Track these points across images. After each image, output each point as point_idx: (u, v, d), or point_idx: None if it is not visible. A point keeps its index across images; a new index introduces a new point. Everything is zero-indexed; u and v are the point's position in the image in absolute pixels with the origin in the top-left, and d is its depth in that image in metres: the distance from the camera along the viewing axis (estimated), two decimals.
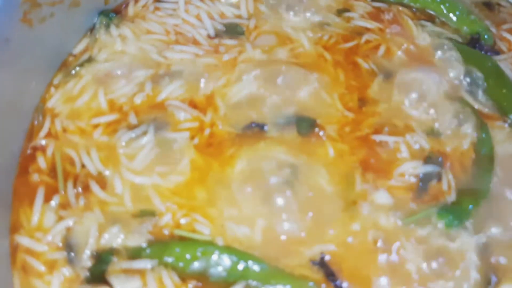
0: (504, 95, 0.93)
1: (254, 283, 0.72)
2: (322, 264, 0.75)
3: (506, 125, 0.90)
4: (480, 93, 0.94)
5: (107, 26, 0.92)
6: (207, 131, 0.84)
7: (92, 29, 0.93)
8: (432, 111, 0.90)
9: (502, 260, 0.76)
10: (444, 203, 0.79)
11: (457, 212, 0.78)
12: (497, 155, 0.86)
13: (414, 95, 0.91)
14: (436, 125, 0.88)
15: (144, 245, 0.73)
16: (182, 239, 0.74)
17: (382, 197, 0.80)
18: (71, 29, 0.89)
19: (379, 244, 0.76)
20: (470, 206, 0.79)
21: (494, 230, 0.79)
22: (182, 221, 0.76)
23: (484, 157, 0.86)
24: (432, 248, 0.76)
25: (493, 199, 0.81)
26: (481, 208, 0.80)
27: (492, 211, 0.80)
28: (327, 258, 0.75)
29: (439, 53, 0.98)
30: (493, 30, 1.04)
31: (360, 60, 0.95)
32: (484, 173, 0.84)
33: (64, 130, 0.83)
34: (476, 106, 0.92)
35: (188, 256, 0.72)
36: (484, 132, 0.88)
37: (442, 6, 1.04)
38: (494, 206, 0.80)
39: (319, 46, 0.96)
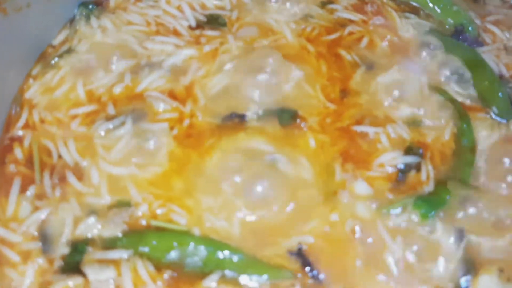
0: (487, 87, 0.93)
1: (230, 273, 0.71)
2: (299, 254, 0.74)
3: (489, 116, 0.90)
4: (463, 85, 0.93)
5: (87, 18, 0.92)
6: (186, 122, 0.83)
7: (72, 21, 0.93)
8: (413, 102, 0.89)
9: (479, 249, 0.75)
10: (421, 193, 0.79)
11: (433, 202, 0.78)
12: (479, 146, 0.86)
13: (396, 86, 0.91)
14: (417, 116, 0.88)
15: (119, 235, 0.73)
16: (158, 230, 0.74)
17: (361, 187, 0.80)
18: (50, 20, 0.89)
19: (357, 234, 0.76)
20: (448, 197, 0.79)
21: (473, 219, 0.78)
22: (159, 211, 0.75)
23: (465, 148, 0.85)
24: (409, 237, 0.76)
25: (472, 189, 0.80)
26: (460, 198, 0.79)
27: (471, 200, 0.79)
28: (304, 248, 0.75)
29: (422, 44, 0.98)
30: (478, 22, 1.04)
31: (343, 52, 0.94)
32: (465, 164, 0.83)
33: (42, 121, 0.82)
34: (459, 97, 0.91)
35: (164, 246, 0.72)
36: (466, 123, 0.87)
37: None
38: (473, 195, 0.80)
39: (302, 38, 0.96)
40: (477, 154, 0.85)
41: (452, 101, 0.90)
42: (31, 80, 0.86)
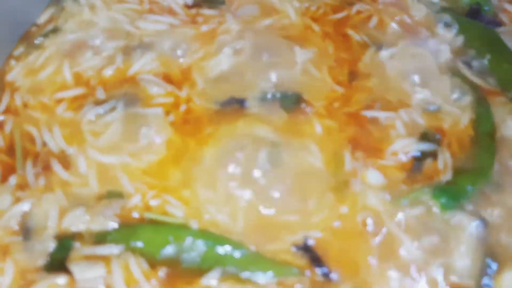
0: (506, 69, 0.86)
1: (232, 269, 0.65)
2: (306, 249, 0.68)
3: (508, 101, 0.83)
4: (480, 67, 0.87)
5: None
6: (182, 107, 0.77)
7: None
8: (428, 85, 0.83)
9: (503, 245, 0.69)
10: (438, 182, 0.72)
11: (453, 192, 0.72)
12: (499, 132, 0.79)
13: (409, 68, 0.84)
14: (433, 100, 0.81)
15: (110, 229, 0.66)
16: (152, 223, 0.68)
17: (373, 177, 0.73)
18: None
19: (369, 227, 0.70)
20: (469, 187, 0.72)
21: (495, 212, 0.72)
22: (153, 203, 0.69)
23: (484, 134, 0.79)
24: (426, 230, 0.69)
25: (495, 179, 0.74)
26: (481, 188, 0.73)
27: (493, 191, 0.73)
28: (311, 242, 0.68)
29: (436, 24, 0.91)
30: (494, 0, 0.97)
31: (351, 32, 0.88)
32: (484, 151, 0.77)
33: (25, 105, 0.76)
34: (476, 80, 0.85)
35: (158, 240, 0.66)
36: (484, 108, 0.81)
37: None
38: (496, 187, 0.73)
39: (307, 17, 0.89)
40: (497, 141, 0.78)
41: (469, 84, 0.84)
42: (13, 62, 0.80)
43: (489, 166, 0.75)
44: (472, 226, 0.70)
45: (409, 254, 0.68)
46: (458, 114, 0.80)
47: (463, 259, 0.68)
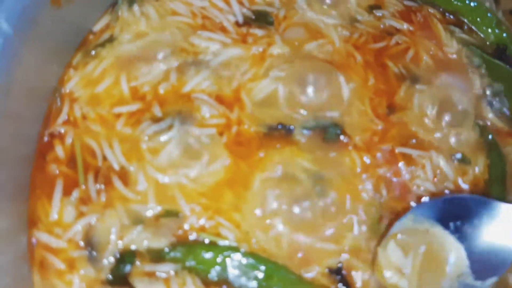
0: None
1: None
2: (338, 272, 0.76)
3: None
4: (502, 109, 0.94)
5: (131, 3, 0.85)
6: (234, 129, 0.81)
7: (113, 5, 0.86)
8: (455, 126, 0.89)
9: None
10: None
11: None
12: None
13: (437, 108, 0.90)
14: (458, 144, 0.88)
15: (167, 248, 0.71)
16: (207, 243, 0.73)
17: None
18: (93, 4, 0.82)
19: None
20: None
21: None
22: (207, 224, 0.74)
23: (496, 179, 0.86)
24: None
25: None
26: None
27: None
28: (343, 266, 0.76)
29: (465, 62, 0.97)
30: None
31: (390, 63, 0.92)
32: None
33: (84, 117, 0.77)
34: (497, 123, 0.91)
35: (211, 261, 0.71)
36: (497, 152, 0.88)
37: (473, 12, 1.02)
38: None
39: (349, 45, 0.92)
40: None
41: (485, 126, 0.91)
42: (71, 71, 0.80)
43: None
44: None
45: None
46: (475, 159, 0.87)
47: None
